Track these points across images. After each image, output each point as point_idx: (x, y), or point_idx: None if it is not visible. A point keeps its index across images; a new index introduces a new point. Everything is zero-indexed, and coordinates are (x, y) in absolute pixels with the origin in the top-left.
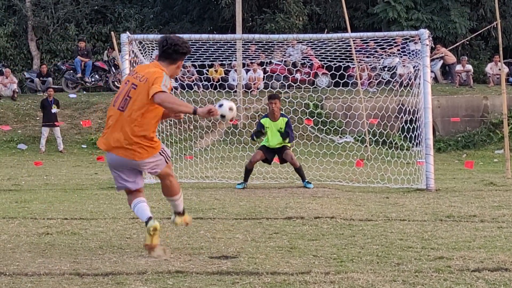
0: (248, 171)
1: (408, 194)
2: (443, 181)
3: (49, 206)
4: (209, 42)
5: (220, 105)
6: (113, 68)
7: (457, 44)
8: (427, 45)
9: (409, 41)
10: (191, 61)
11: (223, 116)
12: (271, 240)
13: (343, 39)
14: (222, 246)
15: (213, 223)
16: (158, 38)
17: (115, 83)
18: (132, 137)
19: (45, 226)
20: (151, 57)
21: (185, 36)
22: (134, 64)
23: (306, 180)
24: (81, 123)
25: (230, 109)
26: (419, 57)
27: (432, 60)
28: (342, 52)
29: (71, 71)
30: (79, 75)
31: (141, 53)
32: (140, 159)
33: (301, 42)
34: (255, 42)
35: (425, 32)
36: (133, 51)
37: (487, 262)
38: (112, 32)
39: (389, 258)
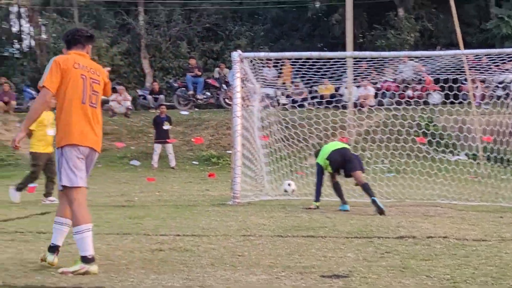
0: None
1: None
2: None
3: (162, 222)
4: (320, 61)
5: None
6: (224, 85)
7: None
8: None
9: None
10: (301, 78)
11: (285, 191)
12: (383, 259)
13: (455, 56)
14: (333, 264)
15: (324, 241)
16: (269, 56)
17: (226, 100)
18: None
19: (158, 243)
20: (261, 74)
21: (295, 54)
22: (245, 82)
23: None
24: (192, 140)
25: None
26: None
27: None
28: (455, 69)
29: (183, 88)
30: (191, 92)
31: (252, 71)
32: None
33: (412, 58)
34: (365, 60)
35: None
36: (243, 69)
37: None
38: None
39: (504, 280)
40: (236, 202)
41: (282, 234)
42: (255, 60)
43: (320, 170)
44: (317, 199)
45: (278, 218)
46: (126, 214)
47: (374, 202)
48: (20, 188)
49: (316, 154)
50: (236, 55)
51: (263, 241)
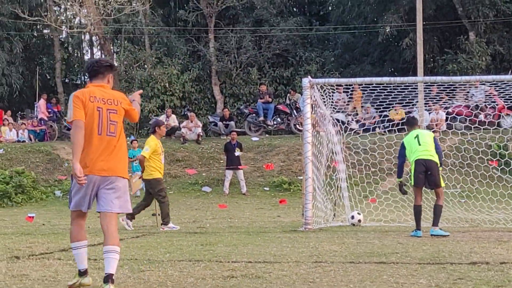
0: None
1: None
2: None
3: (234, 249)
4: (391, 86)
5: (352, 217)
6: (294, 111)
7: None
8: None
9: None
10: (372, 103)
11: (353, 224)
12: (455, 285)
13: None
14: None
15: (396, 267)
16: (339, 82)
17: (297, 126)
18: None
19: (229, 269)
20: (331, 100)
21: (366, 80)
22: (315, 108)
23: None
24: (263, 166)
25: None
26: None
27: None
28: None
29: (254, 115)
30: (262, 118)
31: (322, 97)
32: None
33: (484, 83)
34: (436, 84)
35: None
36: (314, 95)
37: None
38: None
39: None
40: (308, 228)
41: (354, 260)
42: (325, 86)
43: (403, 151)
44: (399, 176)
45: (350, 244)
46: (198, 240)
47: (432, 234)
48: (167, 222)
49: (409, 122)
50: (306, 81)
51: (335, 268)
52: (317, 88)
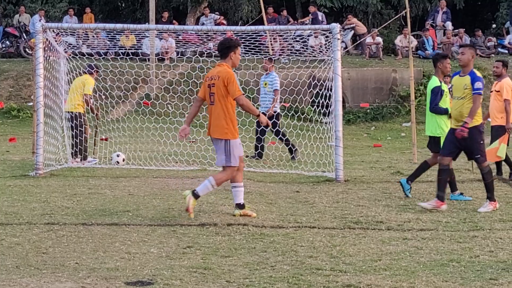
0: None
1: (318, 187)
2: (352, 165)
3: None
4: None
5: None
6: (24, 34)
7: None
8: (338, 39)
9: (321, 34)
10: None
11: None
12: (185, 256)
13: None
14: (137, 265)
15: (128, 231)
16: (72, 27)
17: (26, 49)
18: None
19: None
20: (66, 43)
21: (100, 25)
22: (47, 51)
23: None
24: None
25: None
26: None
27: (343, 30)
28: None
29: None
30: None
31: (55, 40)
32: None
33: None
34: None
35: (336, 27)
36: (47, 39)
37: None
38: None
39: (299, 286)
40: (39, 174)
41: (86, 221)
42: (59, 30)
43: None
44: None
45: (82, 196)
46: None
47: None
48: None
49: None
50: (39, 25)
51: (67, 232)
52: (50, 33)
